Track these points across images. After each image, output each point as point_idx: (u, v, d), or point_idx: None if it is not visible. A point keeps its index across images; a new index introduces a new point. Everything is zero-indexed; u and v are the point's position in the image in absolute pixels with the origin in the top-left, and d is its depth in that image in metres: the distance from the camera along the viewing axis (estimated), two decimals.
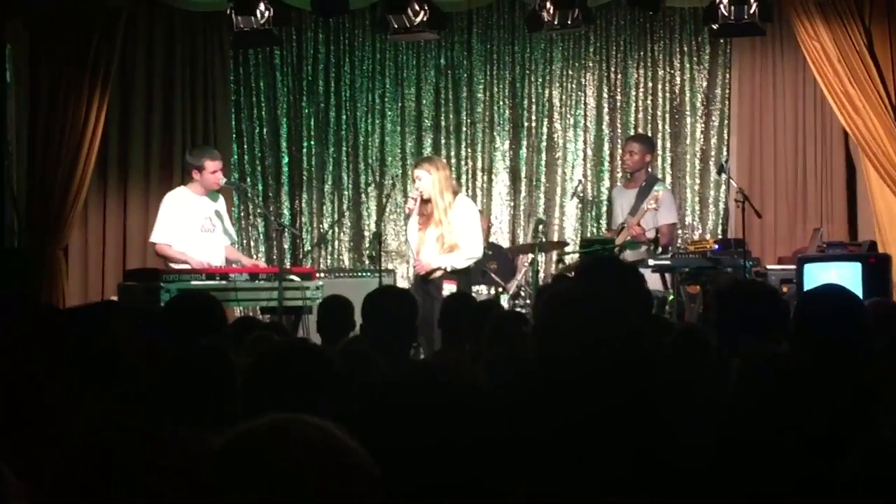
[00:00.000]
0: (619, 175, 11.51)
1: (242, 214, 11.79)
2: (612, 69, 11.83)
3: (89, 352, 2.99)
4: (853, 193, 11.19)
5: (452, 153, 11.89)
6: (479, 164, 11.94)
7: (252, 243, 11.80)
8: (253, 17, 9.13)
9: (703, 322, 7.81)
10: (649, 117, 11.78)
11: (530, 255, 10.29)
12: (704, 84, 11.71)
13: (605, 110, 11.83)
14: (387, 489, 1.71)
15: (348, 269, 11.49)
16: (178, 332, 4.58)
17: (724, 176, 10.90)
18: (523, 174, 11.90)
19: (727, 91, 11.67)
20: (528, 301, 9.74)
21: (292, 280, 8.91)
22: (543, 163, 11.87)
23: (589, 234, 11.44)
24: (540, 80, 11.89)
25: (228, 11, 9.20)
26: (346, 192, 11.96)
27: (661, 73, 11.77)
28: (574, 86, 11.86)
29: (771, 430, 2.96)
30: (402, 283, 10.89)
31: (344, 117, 11.94)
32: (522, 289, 10.04)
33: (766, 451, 2.90)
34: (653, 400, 2.82)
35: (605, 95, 11.83)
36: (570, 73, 11.86)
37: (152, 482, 2.40)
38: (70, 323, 3.21)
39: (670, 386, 3.55)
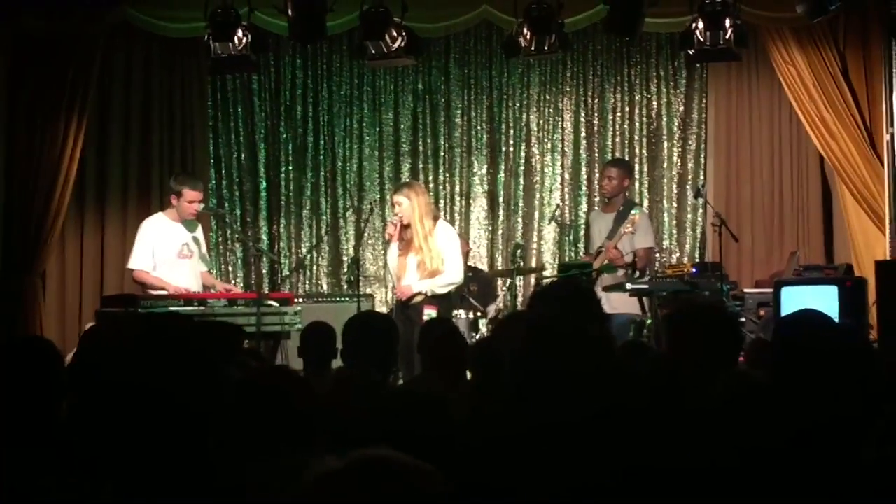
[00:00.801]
0: (597, 199, 11.54)
1: (220, 240, 11.78)
2: (590, 94, 11.88)
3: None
4: (829, 217, 11.25)
5: (430, 178, 11.90)
6: (457, 189, 11.96)
7: (230, 268, 11.78)
8: (230, 43, 9.12)
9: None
10: (626, 141, 11.83)
11: (508, 280, 10.32)
12: (681, 108, 11.77)
13: (583, 135, 11.87)
14: None
15: (327, 293, 11.49)
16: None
17: (700, 200, 10.94)
18: (501, 199, 11.92)
19: (704, 115, 11.73)
20: None
21: (270, 305, 8.89)
22: (521, 187, 11.89)
23: (567, 259, 11.46)
24: (517, 104, 11.93)
25: (206, 37, 9.20)
26: (324, 217, 11.96)
27: (637, 97, 11.82)
28: (551, 110, 11.90)
29: (751, 455, 2.97)
30: (381, 308, 10.89)
31: (322, 142, 11.96)
32: (501, 313, 10.05)
33: (746, 475, 2.91)
34: (627, 419, 2.83)
35: (583, 120, 11.87)
36: (548, 97, 11.90)
37: None
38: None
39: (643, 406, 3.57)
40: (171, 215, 9.07)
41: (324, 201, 11.96)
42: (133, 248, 9.11)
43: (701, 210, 11.59)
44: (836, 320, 4.32)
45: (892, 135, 10.02)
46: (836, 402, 3.46)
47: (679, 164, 11.76)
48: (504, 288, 11.25)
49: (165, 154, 11.20)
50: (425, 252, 8.73)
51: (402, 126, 11.97)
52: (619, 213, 9.91)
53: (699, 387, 3.65)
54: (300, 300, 10.10)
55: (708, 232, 11.30)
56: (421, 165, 11.94)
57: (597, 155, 11.82)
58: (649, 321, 9.46)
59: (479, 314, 9.96)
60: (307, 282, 11.94)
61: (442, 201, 11.90)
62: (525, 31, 9.18)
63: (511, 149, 11.94)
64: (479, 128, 11.97)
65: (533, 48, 9.26)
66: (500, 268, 11.68)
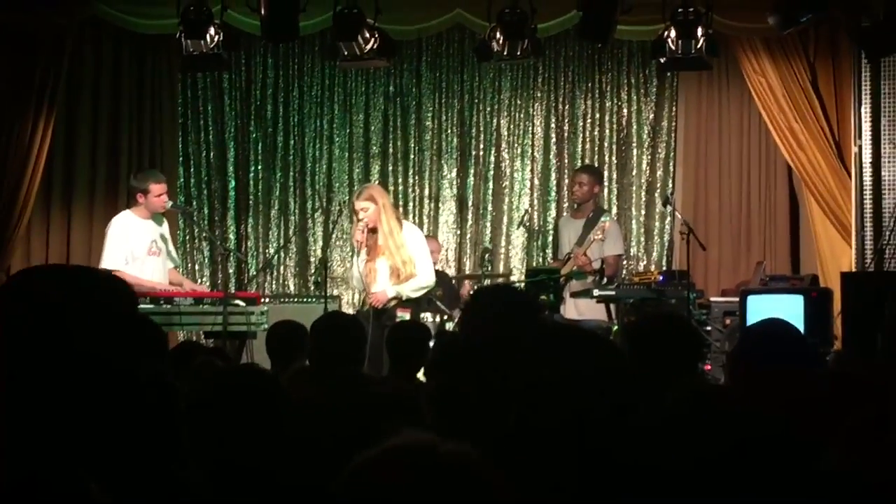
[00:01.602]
0: (566, 205, 11.57)
1: (188, 238, 11.73)
2: (561, 100, 11.90)
3: None
4: (796, 227, 11.31)
5: (400, 180, 11.90)
6: (427, 192, 11.95)
7: (197, 267, 11.73)
8: (202, 41, 9.08)
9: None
10: (596, 148, 11.85)
11: (476, 284, 10.32)
12: (651, 116, 11.81)
13: (553, 140, 11.89)
14: None
15: (294, 294, 11.46)
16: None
17: (669, 208, 10.98)
18: (470, 202, 11.93)
19: (673, 124, 11.78)
20: None
21: (237, 305, 8.86)
22: (490, 191, 11.90)
23: (535, 264, 11.48)
24: (488, 109, 11.94)
25: (178, 34, 9.16)
26: (292, 218, 11.93)
27: (608, 104, 11.86)
28: (522, 115, 11.91)
29: (699, 463, 2.97)
30: (347, 310, 10.86)
31: (292, 142, 11.92)
32: None
33: (693, 483, 2.92)
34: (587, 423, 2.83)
35: (553, 126, 11.89)
36: (519, 102, 11.92)
37: None
38: None
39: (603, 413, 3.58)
40: (139, 212, 9.03)
41: (292, 202, 11.92)
42: (105, 247, 9.03)
43: (669, 218, 11.62)
44: (801, 330, 4.33)
45: (860, 146, 10.08)
46: (790, 411, 3.47)
47: (648, 171, 11.80)
48: (471, 292, 11.24)
49: (134, 151, 11.14)
50: (395, 256, 8.72)
51: (373, 128, 11.96)
52: (588, 220, 9.93)
53: (655, 394, 3.66)
54: (267, 300, 10.07)
55: (675, 240, 11.34)
56: (391, 168, 11.93)
57: (567, 161, 11.84)
58: (615, 328, 9.48)
59: (445, 318, 9.95)
60: (274, 282, 11.90)
61: (411, 204, 11.89)
62: (498, 35, 9.19)
63: (481, 153, 11.95)
64: (449, 131, 11.97)
65: (505, 53, 9.27)
66: (467, 272, 11.68)
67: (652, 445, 3.09)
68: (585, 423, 2.75)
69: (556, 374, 2.67)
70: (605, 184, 11.52)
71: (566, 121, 11.89)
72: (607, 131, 11.87)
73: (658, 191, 11.67)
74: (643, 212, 11.78)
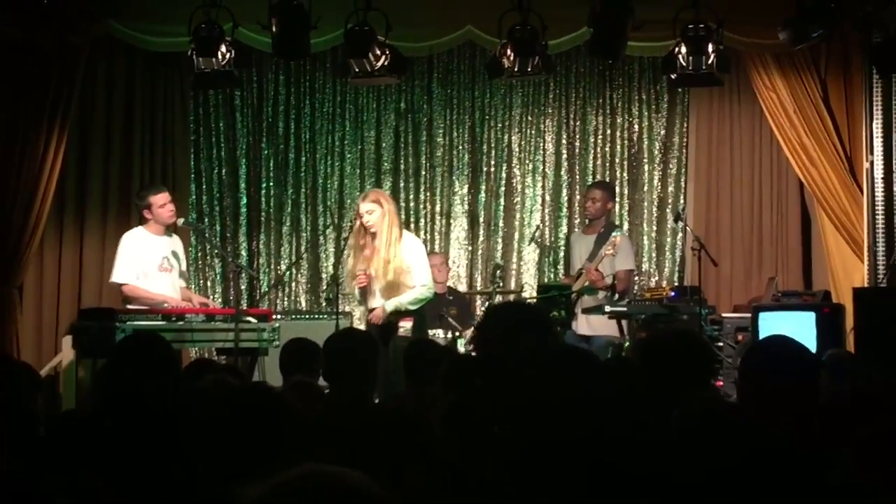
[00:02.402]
0: (577, 221, 11.58)
1: (200, 255, 11.75)
2: (571, 116, 11.91)
3: None
4: (808, 243, 11.29)
5: (411, 196, 11.91)
6: (438, 209, 11.96)
7: (209, 284, 11.74)
8: (214, 59, 9.10)
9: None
10: (607, 164, 11.86)
11: (487, 300, 10.32)
12: (662, 132, 11.81)
13: (564, 156, 11.90)
14: None
15: (305, 311, 11.46)
16: (128, 373, 4.54)
17: (680, 223, 10.98)
18: (482, 219, 11.93)
19: (685, 139, 11.78)
20: None
21: (248, 321, 8.86)
22: (502, 208, 11.91)
23: (546, 280, 11.48)
24: (499, 125, 11.95)
25: (189, 52, 9.18)
26: (304, 234, 11.94)
27: (619, 120, 11.87)
28: (533, 132, 11.93)
29: (708, 477, 2.97)
30: (359, 326, 10.86)
31: (303, 159, 11.94)
32: None
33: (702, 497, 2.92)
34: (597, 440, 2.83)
35: (564, 142, 11.90)
36: (530, 119, 11.93)
37: None
38: None
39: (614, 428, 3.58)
40: (152, 229, 9.03)
41: (304, 218, 11.94)
42: (116, 261, 9.04)
43: (680, 234, 11.62)
44: (809, 347, 4.32)
45: (872, 162, 10.07)
46: (796, 427, 3.47)
47: (659, 187, 11.80)
48: (483, 308, 11.25)
49: (146, 168, 11.17)
50: (393, 263, 8.61)
51: (384, 144, 11.97)
52: (600, 235, 9.93)
53: (665, 409, 3.66)
54: (278, 317, 10.07)
55: (687, 256, 11.34)
56: (402, 184, 11.94)
57: (578, 177, 11.85)
58: (627, 343, 9.47)
59: (457, 334, 9.96)
60: (286, 298, 11.91)
61: (422, 220, 11.91)
62: (508, 52, 9.20)
63: (492, 169, 11.95)
64: (460, 148, 11.98)
65: (516, 69, 9.27)
66: (479, 288, 11.69)
67: (662, 460, 3.09)
68: (597, 440, 2.75)
69: (570, 393, 2.67)
70: (617, 199, 11.52)
71: (577, 137, 11.90)
72: (618, 147, 11.88)
73: (669, 206, 11.67)
74: (654, 227, 11.78)
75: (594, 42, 9.35)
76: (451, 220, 11.96)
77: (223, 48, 9.12)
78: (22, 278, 10.40)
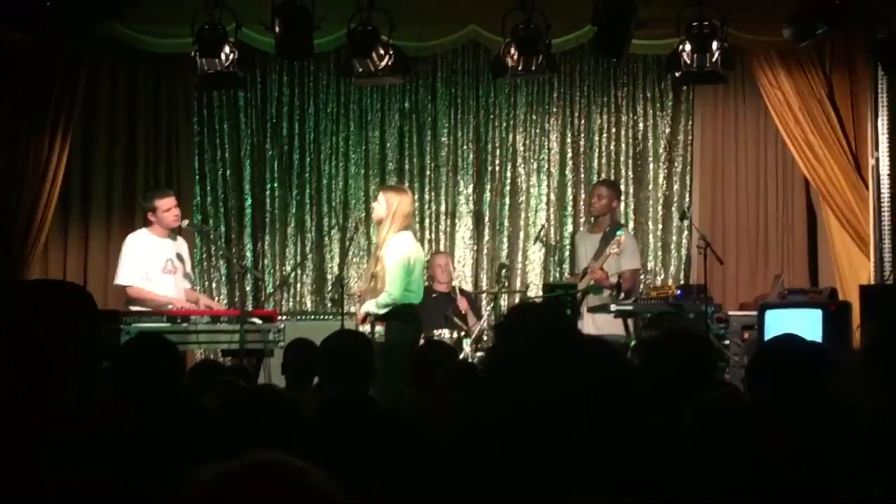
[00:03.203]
0: (582, 220, 11.56)
1: (204, 256, 11.73)
2: (576, 115, 11.89)
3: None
4: (814, 240, 11.27)
5: (416, 196, 11.85)
6: (443, 208, 11.95)
7: (214, 285, 11.73)
8: (217, 60, 9.10)
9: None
10: (612, 162, 11.84)
11: (493, 300, 10.31)
12: (667, 130, 11.79)
13: (569, 155, 11.88)
14: None
15: (310, 311, 11.44)
16: (135, 377, 4.53)
17: (686, 222, 10.96)
18: (487, 218, 11.91)
19: (690, 137, 11.76)
20: (490, 345, 9.71)
21: (254, 323, 8.85)
22: (507, 207, 11.89)
23: (552, 279, 11.46)
24: (504, 124, 11.93)
25: (193, 53, 9.17)
26: (308, 235, 11.92)
27: (624, 118, 11.85)
28: (538, 131, 11.91)
29: (721, 481, 2.96)
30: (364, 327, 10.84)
31: (308, 160, 11.93)
32: (485, 333, 10.03)
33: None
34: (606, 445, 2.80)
35: (569, 140, 11.88)
36: (534, 118, 11.91)
37: None
38: None
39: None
40: (156, 231, 9.03)
41: (309, 219, 11.92)
42: (120, 263, 9.05)
43: (686, 232, 11.60)
44: (819, 343, 4.31)
45: (878, 159, 10.06)
46: (806, 429, 3.45)
47: (665, 185, 11.78)
48: (488, 308, 11.23)
49: (150, 170, 11.16)
50: (374, 263, 8.67)
51: (389, 144, 11.96)
52: (605, 234, 9.91)
53: (671, 412, 3.64)
54: (283, 318, 10.06)
55: (693, 254, 11.31)
56: (406, 184, 11.89)
57: (583, 176, 11.83)
58: (633, 342, 9.44)
59: (462, 334, 9.94)
60: (291, 299, 11.89)
61: (427, 220, 11.89)
62: (512, 51, 9.19)
63: (497, 168, 11.94)
64: (465, 147, 11.97)
65: (520, 68, 9.26)
66: (484, 287, 11.67)
67: (673, 463, 3.07)
68: (606, 438, 2.72)
69: (580, 388, 2.64)
70: (622, 198, 11.50)
71: (582, 136, 11.88)
72: (623, 146, 11.86)
73: (675, 205, 11.65)
74: (660, 226, 11.76)
75: (598, 40, 9.34)
76: (456, 220, 11.94)
77: (226, 49, 9.11)
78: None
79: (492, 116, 11.94)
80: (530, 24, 9.06)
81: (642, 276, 11.08)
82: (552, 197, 11.85)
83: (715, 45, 9.09)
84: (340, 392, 4.99)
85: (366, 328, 8.71)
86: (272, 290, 11.75)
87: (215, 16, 9.02)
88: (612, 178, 11.51)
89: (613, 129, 11.86)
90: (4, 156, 10.21)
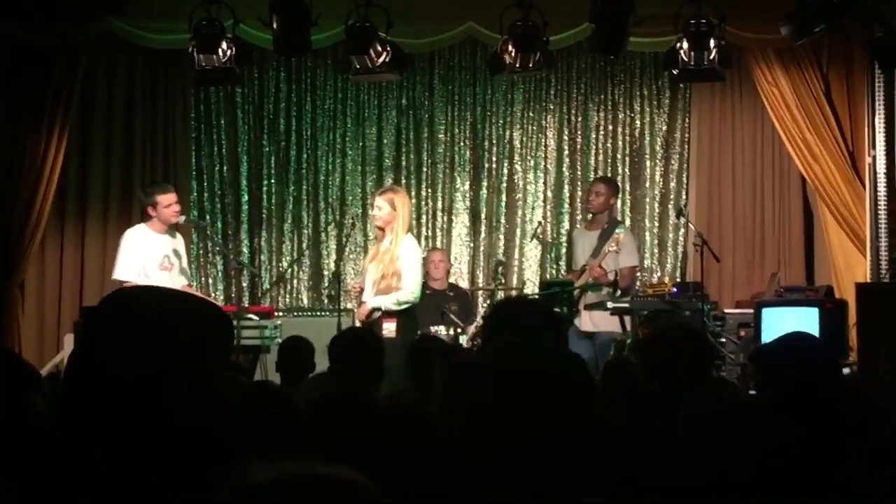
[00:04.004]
0: (579, 217, 11.57)
1: (201, 252, 11.73)
2: (573, 112, 11.90)
3: None
4: (810, 238, 11.28)
5: (413, 193, 11.87)
6: (440, 205, 11.95)
7: (210, 281, 11.73)
8: (215, 56, 9.09)
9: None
10: (609, 160, 11.84)
11: (489, 297, 10.31)
12: (664, 128, 11.80)
13: (566, 152, 11.88)
14: None
15: (307, 308, 11.45)
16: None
17: (682, 219, 10.97)
18: (483, 215, 11.91)
19: (686, 135, 11.76)
20: None
21: (250, 319, 8.87)
22: (504, 204, 11.89)
23: (548, 276, 11.46)
24: (501, 121, 11.93)
25: (190, 49, 9.17)
26: (305, 231, 11.92)
27: (621, 116, 11.85)
28: (535, 128, 11.91)
29: (721, 474, 2.96)
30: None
31: (305, 156, 11.92)
32: (481, 329, 10.02)
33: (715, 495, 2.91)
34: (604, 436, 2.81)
35: (566, 138, 11.88)
36: (531, 115, 11.91)
37: None
38: None
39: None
40: (153, 226, 9.03)
41: (305, 215, 11.92)
42: (117, 259, 9.04)
43: (682, 230, 11.61)
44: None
45: (874, 157, 10.06)
46: (810, 423, 3.45)
47: (661, 183, 11.79)
48: (485, 305, 11.24)
49: (147, 165, 11.17)
50: (387, 265, 8.68)
51: (386, 141, 11.95)
52: (603, 231, 9.92)
53: (669, 406, 3.66)
54: (280, 314, 10.06)
55: (689, 252, 11.32)
56: (403, 181, 11.91)
57: (580, 173, 11.83)
58: (629, 340, 9.45)
59: (459, 331, 9.94)
60: (287, 296, 11.89)
61: (424, 217, 11.89)
62: (510, 48, 9.19)
63: (494, 165, 11.94)
64: (462, 144, 11.97)
65: (517, 65, 9.26)
66: (481, 285, 11.67)
67: (675, 461, 3.08)
68: (604, 435, 2.73)
69: (580, 387, 2.64)
70: (619, 195, 11.51)
71: (579, 133, 11.89)
72: (620, 143, 11.86)
73: (671, 202, 11.66)
74: (657, 223, 11.77)
75: (595, 38, 9.33)
76: (453, 217, 11.94)
77: (224, 45, 9.11)
78: (23, 276, 10.40)
79: (489, 113, 11.94)
80: (528, 22, 9.06)
81: (639, 274, 11.09)
82: (549, 194, 11.86)
83: (712, 42, 9.10)
84: (345, 387, 5.01)
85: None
86: (269, 286, 11.75)
87: (213, 11, 9.02)
88: (609, 175, 11.51)
89: (610, 127, 11.86)
90: (2, 152, 10.21)
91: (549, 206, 11.85)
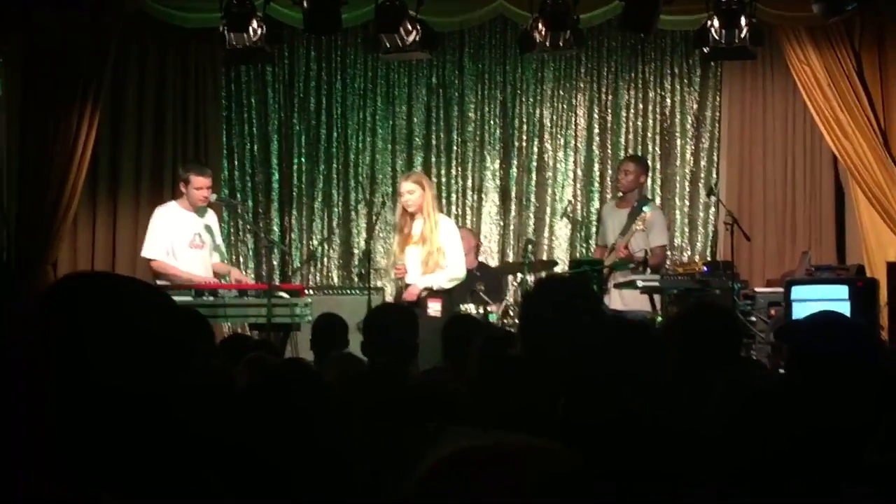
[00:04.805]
0: (609, 196, 11.54)
1: (232, 230, 11.78)
2: (604, 90, 11.86)
3: None
4: (841, 217, 11.22)
5: (443, 172, 11.89)
6: (470, 184, 11.95)
7: (241, 259, 11.78)
8: (245, 34, 9.13)
9: None
10: (640, 138, 11.81)
11: (519, 275, 10.31)
12: (695, 106, 11.75)
13: (596, 131, 11.85)
14: None
15: (337, 286, 11.49)
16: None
17: (713, 198, 10.93)
18: (513, 194, 11.91)
19: (717, 113, 11.71)
20: (517, 321, 9.72)
21: (281, 297, 8.89)
22: (534, 183, 11.88)
23: (578, 255, 11.46)
24: (531, 100, 11.91)
25: (221, 28, 9.20)
26: (335, 210, 11.95)
27: (651, 94, 11.81)
28: (565, 106, 11.88)
29: (752, 456, 2.96)
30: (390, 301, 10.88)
31: (335, 135, 11.95)
32: (511, 308, 10.04)
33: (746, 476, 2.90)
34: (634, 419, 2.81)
35: (596, 116, 11.85)
36: (562, 93, 11.89)
37: None
38: None
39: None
40: (183, 204, 9.07)
41: (336, 193, 11.95)
42: (147, 236, 9.10)
43: (713, 209, 11.57)
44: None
45: None
46: (843, 406, 3.45)
47: (692, 161, 11.75)
48: (515, 283, 11.24)
49: (178, 145, 11.21)
50: (431, 244, 8.76)
51: (416, 120, 11.96)
52: (633, 210, 9.91)
53: (700, 387, 3.64)
54: (310, 292, 10.10)
55: (720, 230, 11.29)
56: (433, 159, 11.92)
57: (609, 151, 11.81)
58: (659, 318, 9.45)
59: (488, 309, 9.95)
60: (318, 274, 11.94)
61: (454, 195, 11.89)
62: (540, 26, 9.18)
63: (524, 144, 11.93)
64: (492, 122, 11.96)
65: (547, 44, 9.25)
66: (510, 262, 11.67)
67: (701, 444, 3.08)
68: (632, 422, 2.73)
69: (608, 371, 2.64)
70: (649, 174, 11.48)
71: (609, 111, 11.86)
72: (650, 121, 11.82)
73: (702, 181, 11.62)
74: (687, 202, 11.73)
75: (626, 16, 9.30)
76: (483, 195, 11.94)
77: (254, 24, 9.14)
78: (56, 255, 10.47)
79: (519, 92, 11.93)
80: (558, 0, 9.04)
81: (669, 253, 11.07)
82: (579, 173, 11.84)
83: (743, 20, 9.06)
84: (380, 365, 5.04)
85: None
86: (299, 264, 11.79)
87: None
88: (640, 153, 11.48)
89: (641, 105, 11.83)
90: (35, 132, 10.28)
91: (578, 185, 11.83)
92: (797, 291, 9.30)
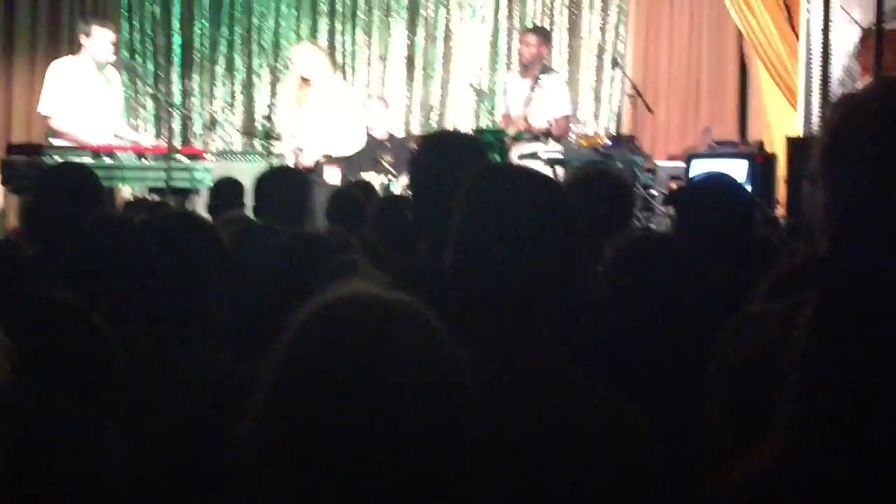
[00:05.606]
0: (513, 67, 11.49)
1: (131, 94, 11.54)
2: None
3: None
4: (744, 93, 11.30)
5: (347, 39, 11.74)
6: (375, 52, 11.81)
7: (141, 123, 11.57)
8: None
9: None
10: (547, 10, 11.75)
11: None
12: None
13: (503, 2, 11.75)
14: None
15: (238, 151, 11.34)
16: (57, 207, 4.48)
17: (618, 70, 10.94)
18: (419, 63, 11.80)
19: None
20: None
21: (180, 161, 8.74)
22: (440, 52, 11.78)
23: (483, 125, 11.42)
24: None
25: None
26: (238, 75, 11.76)
27: None
28: None
29: (646, 312, 2.97)
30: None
31: None
32: None
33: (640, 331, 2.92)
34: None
35: None
36: None
37: None
38: None
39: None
40: (84, 60, 8.77)
41: (238, 59, 11.74)
42: (43, 92, 8.81)
43: (619, 83, 11.58)
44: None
45: (810, 11, 10.03)
46: (719, 264, 3.48)
47: (599, 34, 11.71)
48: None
49: (76, 3, 10.92)
50: (327, 110, 8.67)
51: None
52: (535, 80, 9.86)
53: (594, 248, 3.65)
54: (211, 157, 9.95)
55: (624, 106, 11.31)
56: (338, 27, 11.75)
57: (517, 23, 11.72)
58: None
59: (391, 178, 9.91)
60: (219, 139, 11.78)
61: (358, 64, 11.75)
62: None
63: (431, 13, 11.80)
64: None
65: None
66: (415, 133, 11.61)
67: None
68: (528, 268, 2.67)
69: (497, 214, 2.57)
70: (556, 46, 11.43)
71: None
72: None
73: (608, 54, 11.61)
74: (593, 76, 11.73)
75: None
76: (388, 64, 11.82)
77: None
78: None
79: None
80: None
81: (573, 126, 11.06)
82: (485, 43, 11.75)
83: None
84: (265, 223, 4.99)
85: None
86: (200, 129, 11.62)
87: None
88: (547, 25, 11.41)
89: None
90: None
91: (485, 56, 11.75)
92: (698, 165, 9.37)
